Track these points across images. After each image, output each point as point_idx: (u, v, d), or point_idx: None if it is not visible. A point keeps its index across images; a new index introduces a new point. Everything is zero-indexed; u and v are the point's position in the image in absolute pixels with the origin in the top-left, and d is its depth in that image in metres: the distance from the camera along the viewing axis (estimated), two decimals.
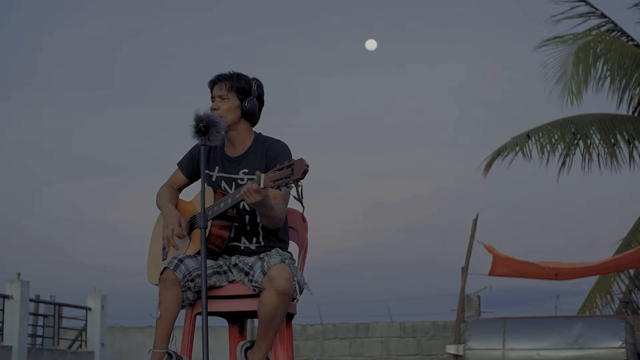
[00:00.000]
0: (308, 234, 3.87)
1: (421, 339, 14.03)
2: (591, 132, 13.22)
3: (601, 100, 13.30)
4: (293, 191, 3.19)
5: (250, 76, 3.79)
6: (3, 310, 12.35)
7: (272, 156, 3.66)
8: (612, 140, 13.19)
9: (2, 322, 12.26)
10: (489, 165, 13.64)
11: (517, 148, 13.44)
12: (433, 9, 25.90)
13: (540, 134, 13.35)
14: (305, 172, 3.16)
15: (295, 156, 3.65)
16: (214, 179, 3.75)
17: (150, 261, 3.88)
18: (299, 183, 3.17)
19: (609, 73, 12.94)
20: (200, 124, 3.53)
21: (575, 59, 12.39)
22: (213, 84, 3.76)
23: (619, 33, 13.62)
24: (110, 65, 27.12)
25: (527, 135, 13.43)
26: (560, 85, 12.46)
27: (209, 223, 3.53)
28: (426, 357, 13.93)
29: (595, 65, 12.76)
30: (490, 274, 11.24)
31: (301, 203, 3.20)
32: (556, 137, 13.30)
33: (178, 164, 3.92)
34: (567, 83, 12.30)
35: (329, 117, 27.08)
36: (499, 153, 13.61)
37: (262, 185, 3.29)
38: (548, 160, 13.42)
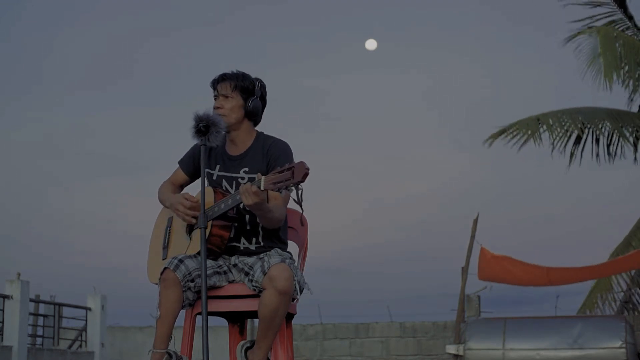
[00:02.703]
0: (308, 234, 3.87)
1: (421, 339, 14.03)
2: (600, 125, 13.12)
3: (611, 94, 13.24)
4: (293, 194, 3.18)
5: (253, 76, 3.79)
6: (3, 310, 12.34)
7: (273, 156, 3.65)
8: (619, 136, 13.09)
9: (2, 322, 12.26)
10: (493, 139, 13.30)
11: (528, 131, 13.16)
12: (434, 9, 25.91)
13: (551, 121, 13.16)
14: (306, 175, 3.15)
15: (296, 156, 3.65)
16: (214, 178, 3.75)
17: (151, 260, 3.88)
18: (299, 186, 3.17)
19: (626, 67, 12.87)
20: (200, 124, 3.53)
21: (603, 43, 12.38)
22: (216, 82, 3.75)
23: (627, 25, 13.55)
24: (116, 67, 27.16)
25: (537, 119, 13.21)
26: (594, 70, 12.48)
27: (210, 223, 3.53)
28: (426, 357, 13.93)
29: (619, 56, 12.71)
30: (479, 278, 11.23)
31: (300, 206, 3.20)
32: (568, 124, 13.13)
33: (179, 162, 3.93)
34: (600, 68, 12.31)
35: (328, 117, 27.08)
36: (504, 131, 13.29)
37: (262, 188, 3.28)
38: (554, 146, 13.22)
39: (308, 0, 26.67)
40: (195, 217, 3.58)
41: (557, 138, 13.21)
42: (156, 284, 3.59)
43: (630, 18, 13.55)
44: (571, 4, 13.48)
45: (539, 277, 11.02)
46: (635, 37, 13.30)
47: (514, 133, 13.20)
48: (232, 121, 3.70)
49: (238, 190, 3.43)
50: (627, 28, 13.51)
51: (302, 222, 3.82)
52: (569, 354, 9.80)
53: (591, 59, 12.62)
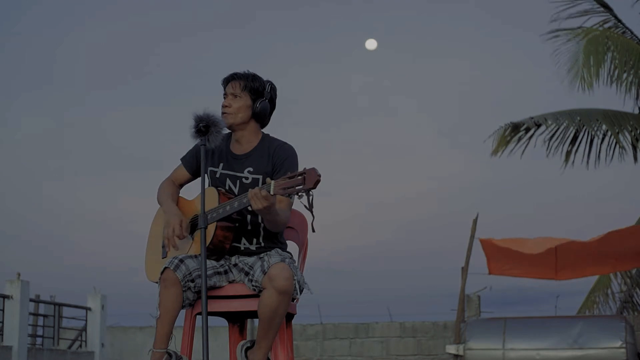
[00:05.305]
0: (308, 234, 3.86)
1: (421, 339, 14.03)
2: (595, 127, 13.10)
3: (607, 95, 13.22)
4: (304, 200, 3.16)
5: (265, 78, 3.76)
6: (3, 310, 12.36)
7: (278, 159, 3.63)
8: (616, 137, 13.07)
9: (2, 322, 12.27)
10: (498, 148, 13.22)
11: (530, 131, 13.11)
12: (434, 8, 25.92)
13: (549, 122, 13.15)
14: (318, 182, 3.13)
15: (299, 159, 3.65)
16: (218, 175, 3.72)
17: (149, 258, 3.86)
18: (310, 192, 3.15)
19: (616, 69, 12.83)
20: (200, 124, 3.52)
21: (586, 50, 12.36)
22: (227, 81, 3.73)
23: (623, 30, 13.54)
24: (118, 67, 27.18)
25: (535, 123, 13.17)
26: (572, 73, 12.46)
27: (215, 225, 3.51)
28: (426, 357, 13.93)
29: (605, 59, 12.68)
30: (490, 272, 11.22)
31: (311, 213, 3.19)
32: (564, 125, 13.11)
33: (182, 159, 3.89)
34: (579, 71, 12.28)
35: (328, 117, 27.09)
36: (508, 136, 13.21)
37: (271, 192, 3.27)
38: (550, 150, 13.22)
39: (309, 1, 26.68)
40: (174, 246, 3.59)
41: (554, 138, 13.22)
42: (155, 282, 3.58)
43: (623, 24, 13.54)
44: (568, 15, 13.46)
45: (545, 272, 11.01)
46: (633, 40, 13.27)
47: (513, 137, 13.19)
48: (238, 121, 3.68)
49: (245, 193, 3.41)
50: (624, 32, 13.48)
51: (313, 229, 3.79)
52: (569, 354, 9.79)
53: (572, 61, 12.62)
